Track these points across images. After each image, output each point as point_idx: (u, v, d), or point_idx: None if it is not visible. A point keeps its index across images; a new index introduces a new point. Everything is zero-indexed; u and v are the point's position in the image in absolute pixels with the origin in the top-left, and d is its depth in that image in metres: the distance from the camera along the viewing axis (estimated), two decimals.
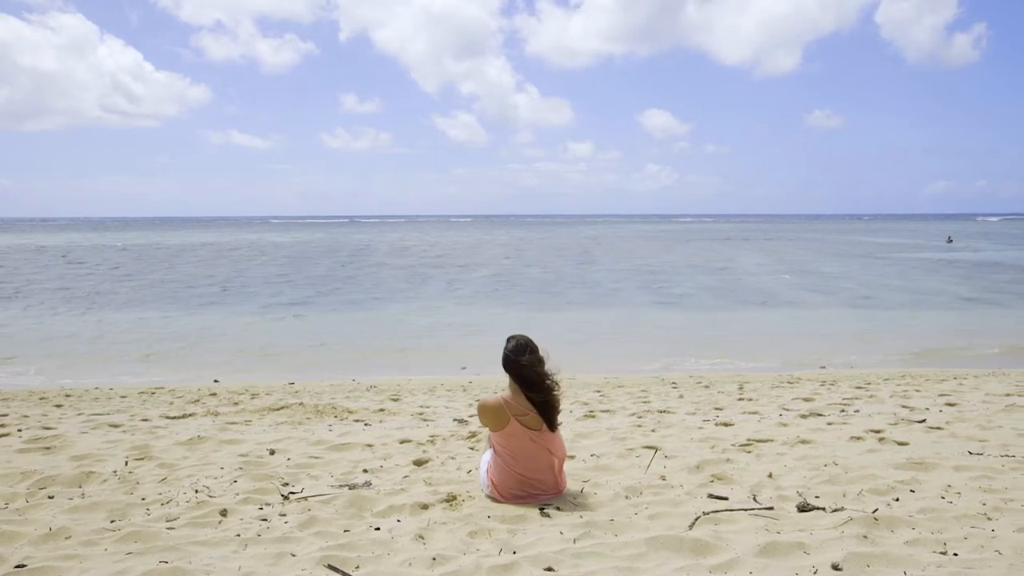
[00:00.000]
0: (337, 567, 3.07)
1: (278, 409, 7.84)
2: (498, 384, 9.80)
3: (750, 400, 8.23)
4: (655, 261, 39.10)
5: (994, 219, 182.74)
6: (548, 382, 4.12)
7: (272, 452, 5.43)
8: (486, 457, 4.34)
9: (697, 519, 3.68)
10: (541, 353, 4.20)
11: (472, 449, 5.51)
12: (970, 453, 5.02)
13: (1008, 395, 7.94)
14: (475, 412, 5.73)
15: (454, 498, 4.19)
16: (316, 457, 5.29)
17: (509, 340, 4.24)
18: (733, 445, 5.47)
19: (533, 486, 4.11)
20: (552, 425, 4.13)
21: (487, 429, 4.33)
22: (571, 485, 4.41)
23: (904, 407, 7.22)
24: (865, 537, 3.34)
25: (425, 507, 4.06)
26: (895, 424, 6.17)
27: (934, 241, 59.27)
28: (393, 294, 24.00)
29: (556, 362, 4.29)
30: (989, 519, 3.58)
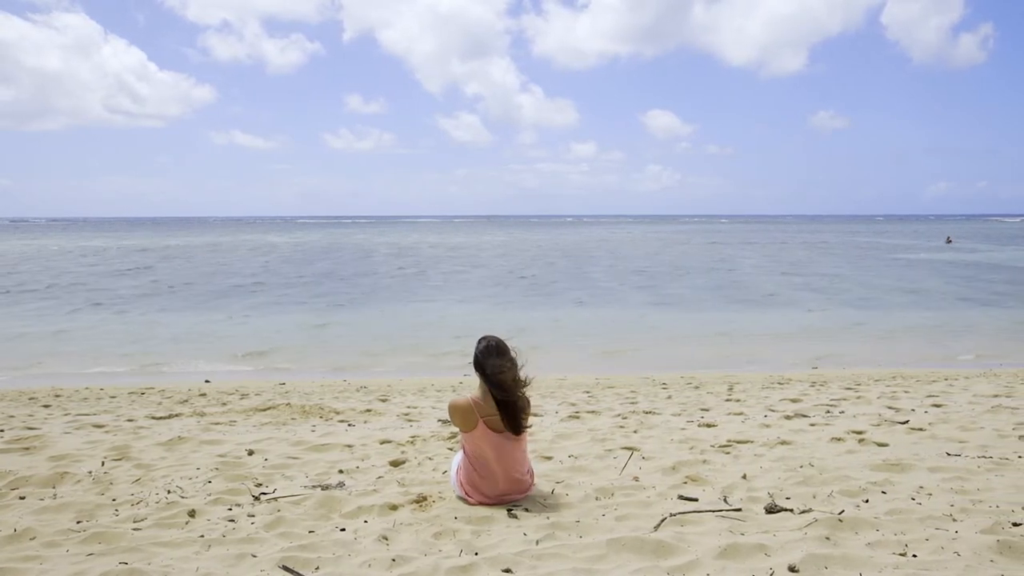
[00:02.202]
0: (292, 568, 3.06)
1: (264, 410, 7.83)
2: None
3: (737, 401, 8.20)
4: (654, 261, 39.05)
5: (1015, 220, 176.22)
6: (516, 389, 4.09)
7: (251, 453, 5.43)
8: (457, 458, 4.33)
9: (663, 520, 3.67)
10: (512, 355, 4.19)
11: (451, 450, 5.49)
12: (948, 454, 5.00)
13: (995, 396, 7.90)
14: None
15: (424, 499, 4.18)
16: (294, 458, 5.28)
17: (480, 341, 4.24)
18: (712, 446, 5.45)
19: (501, 487, 4.10)
20: (517, 429, 4.10)
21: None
22: (545, 486, 4.40)
23: (890, 408, 7.18)
24: (827, 539, 3.32)
25: (394, 508, 4.05)
26: (877, 425, 6.14)
27: (935, 242, 59.19)
28: (392, 294, 24.00)
29: (530, 364, 4.26)
30: (954, 520, 3.56)
